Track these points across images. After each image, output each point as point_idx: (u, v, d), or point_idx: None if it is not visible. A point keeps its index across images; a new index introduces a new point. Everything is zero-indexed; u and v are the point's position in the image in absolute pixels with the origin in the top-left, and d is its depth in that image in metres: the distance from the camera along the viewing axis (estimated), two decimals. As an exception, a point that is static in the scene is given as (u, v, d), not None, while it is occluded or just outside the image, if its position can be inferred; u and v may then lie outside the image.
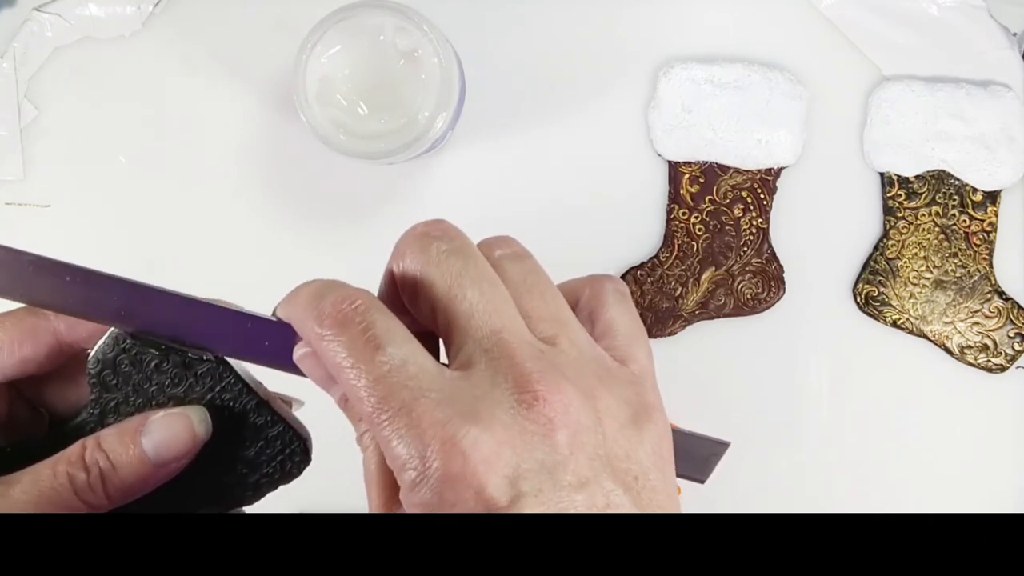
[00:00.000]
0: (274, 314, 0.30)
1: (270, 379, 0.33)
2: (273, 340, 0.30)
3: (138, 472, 0.30)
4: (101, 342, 0.32)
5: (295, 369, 0.29)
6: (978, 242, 0.58)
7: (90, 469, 0.29)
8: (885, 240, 0.58)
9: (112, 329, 0.31)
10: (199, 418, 0.31)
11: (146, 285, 0.30)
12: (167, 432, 0.30)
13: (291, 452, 0.33)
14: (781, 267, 0.58)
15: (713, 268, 0.58)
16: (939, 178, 0.58)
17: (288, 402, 0.35)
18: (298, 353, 0.29)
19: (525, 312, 0.28)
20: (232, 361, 0.32)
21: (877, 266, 0.58)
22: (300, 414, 0.35)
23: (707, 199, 0.58)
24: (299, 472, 0.34)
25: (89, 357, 0.32)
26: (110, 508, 0.30)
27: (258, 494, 0.34)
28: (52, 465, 0.30)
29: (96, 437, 0.30)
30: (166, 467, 0.30)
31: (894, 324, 0.58)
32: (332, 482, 0.59)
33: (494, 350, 0.26)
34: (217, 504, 0.34)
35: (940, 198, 0.58)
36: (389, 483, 0.28)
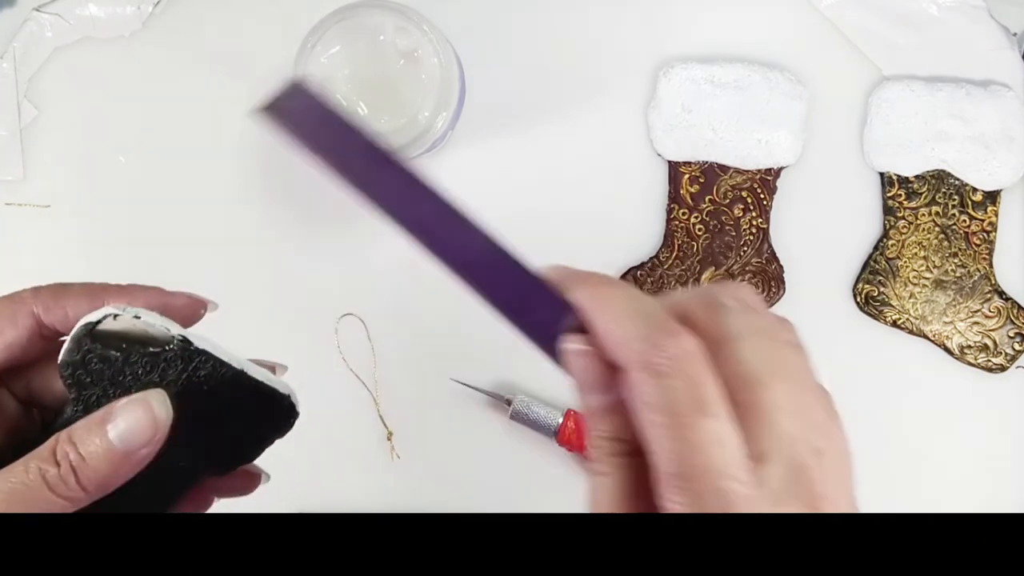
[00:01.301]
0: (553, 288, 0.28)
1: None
2: (545, 312, 0.27)
3: (109, 461, 0.30)
4: (65, 347, 0.32)
5: (540, 338, 0.27)
6: (978, 242, 0.58)
7: (60, 463, 0.29)
8: (885, 240, 0.58)
9: (73, 332, 0.32)
10: (159, 401, 0.31)
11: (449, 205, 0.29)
12: (131, 420, 0.30)
13: (277, 411, 0.34)
14: (781, 267, 0.58)
15: (713, 268, 0.58)
16: (939, 178, 0.58)
17: (272, 368, 0.35)
18: (574, 347, 0.26)
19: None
20: (196, 340, 0.32)
21: (877, 266, 0.58)
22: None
23: (707, 199, 0.58)
24: (290, 426, 0.34)
25: (59, 361, 0.32)
26: (89, 501, 0.30)
27: (256, 451, 0.35)
28: (24, 462, 0.30)
29: (68, 431, 0.30)
30: (136, 454, 0.30)
31: (894, 324, 0.58)
32: (332, 482, 0.59)
33: (797, 462, 0.24)
34: (220, 467, 0.35)
35: (940, 198, 0.58)
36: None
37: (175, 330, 0.32)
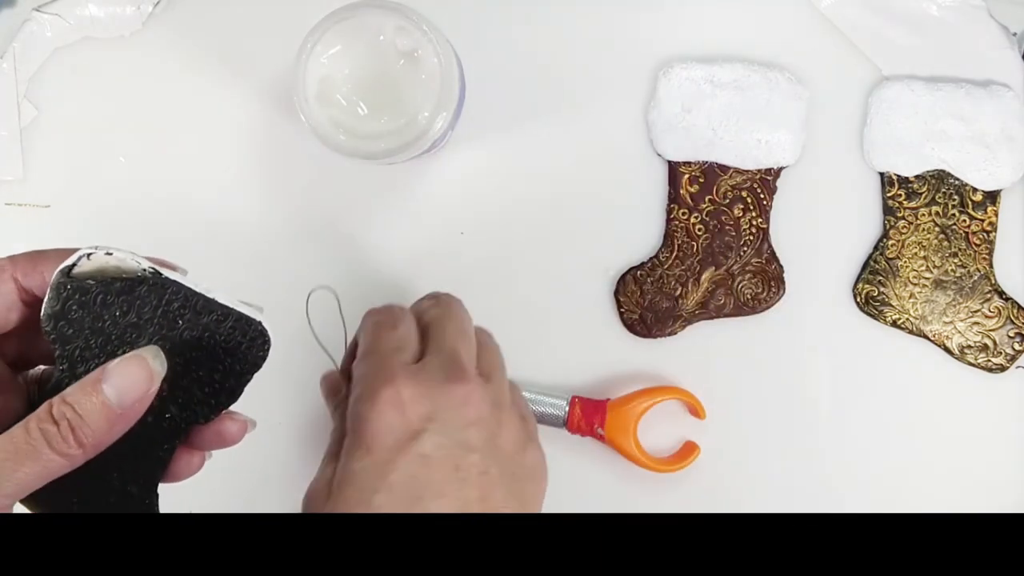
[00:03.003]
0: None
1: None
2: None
3: (105, 418, 0.31)
4: (47, 297, 0.33)
5: None
6: (978, 242, 0.58)
7: (59, 422, 0.31)
8: (885, 240, 0.58)
9: (51, 280, 0.33)
10: (153, 355, 0.32)
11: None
12: (125, 376, 0.32)
13: (251, 339, 0.35)
14: (781, 267, 0.58)
15: (713, 268, 0.58)
16: (939, 178, 0.58)
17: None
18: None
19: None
20: (165, 271, 0.34)
21: (877, 266, 0.58)
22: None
23: (707, 199, 0.58)
24: (264, 356, 0.36)
25: (41, 316, 0.33)
26: (84, 459, 0.31)
27: (238, 388, 0.36)
28: (23, 424, 0.31)
29: (61, 394, 0.31)
30: (132, 409, 0.32)
31: (894, 324, 0.58)
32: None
33: (449, 354, 0.41)
34: (205, 413, 0.35)
35: (940, 198, 0.58)
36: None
37: (145, 264, 0.34)
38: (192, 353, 0.34)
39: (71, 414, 0.31)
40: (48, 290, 0.33)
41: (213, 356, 0.34)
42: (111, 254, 0.33)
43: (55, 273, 0.33)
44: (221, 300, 0.34)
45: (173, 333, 0.33)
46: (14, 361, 0.36)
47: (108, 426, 0.31)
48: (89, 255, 0.33)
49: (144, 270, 0.33)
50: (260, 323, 0.35)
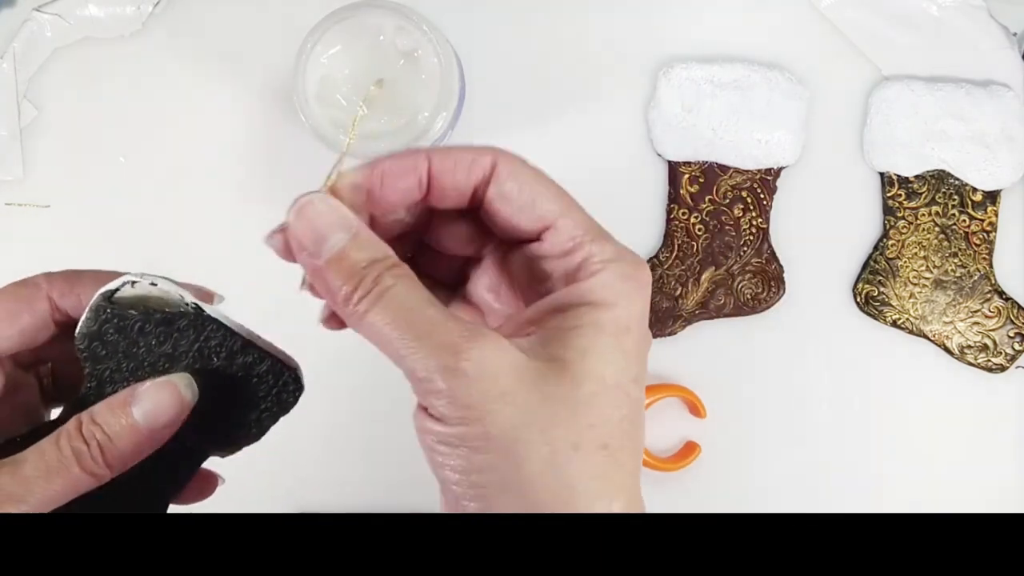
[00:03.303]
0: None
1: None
2: None
3: (133, 440, 0.31)
4: (84, 317, 0.33)
5: None
6: (978, 242, 0.58)
7: (89, 442, 0.31)
8: (885, 240, 0.58)
9: (92, 302, 0.33)
10: (185, 384, 0.32)
11: None
12: (156, 401, 0.31)
13: (283, 383, 0.34)
14: (781, 267, 0.58)
15: (713, 268, 0.58)
16: (939, 178, 0.58)
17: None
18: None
19: None
20: (208, 308, 0.33)
21: (877, 266, 0.58)
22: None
23: (707, 199, 0.58)
24: (295, 401, 0.35)
25: (76, 334, 0.33)
26: (111, 477, 0.31)
27: (261, 430, 0.35)
28: (54, 441, 0.31)
29: (89, 412, 0.31)
30: (159, 432, 0.32)
31: (894, 324, 0.58)
32: (334, 482, 0.59)
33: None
34: (225, 447, 0.35)
35: (940, 198, 0.58)
36: None
37: (188, 298, 0.33)
38: (222, 390, 0.34)
39: (100, 435, 0.31)
40: (87, 310, 0.33)
41: (243, 395, 0.34)
42: (156, 284, 0.33)
43: (96, 295, 0.33)
44: (259, 343, 0.34)
45: (206, 368, 0.33)
46: (29, 364, 0.36)
47: (136, 449, 0.31)
48: (133, 283, 0.33)
49: (187, 304, 0.33)
50: (296, 369, 0.34)
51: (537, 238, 0.30)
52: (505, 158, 0.30)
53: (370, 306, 0.28)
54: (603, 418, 0.28)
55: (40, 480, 0.30)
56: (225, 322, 0.33)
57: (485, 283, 0.34)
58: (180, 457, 0.34)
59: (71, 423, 0.31)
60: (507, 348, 0.27)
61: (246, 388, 0.34)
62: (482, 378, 0.27)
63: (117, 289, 0.33)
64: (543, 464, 0.27)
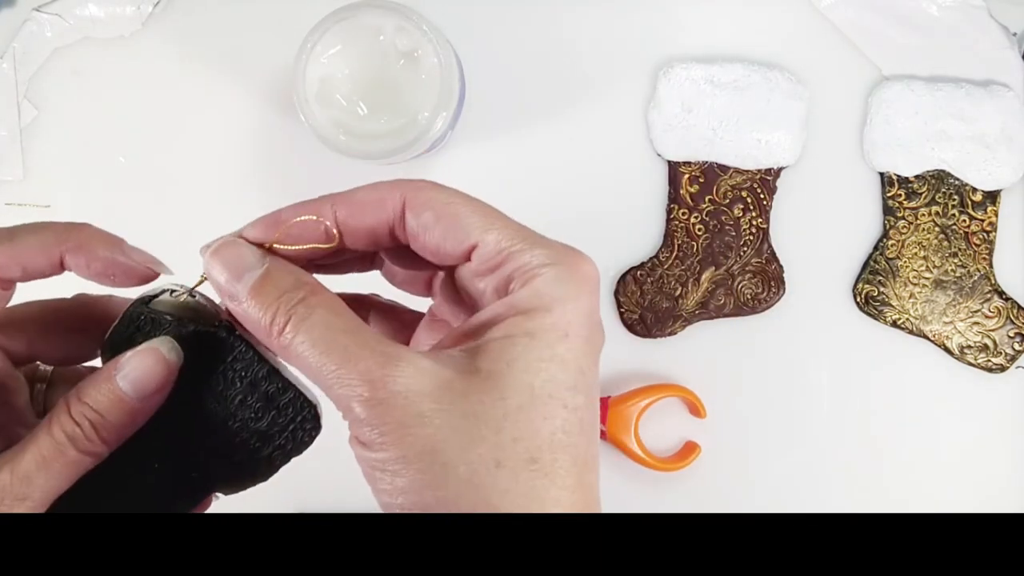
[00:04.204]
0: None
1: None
2: None
3: (123, 410, 0.31)
4: (115, 324, 0.32)
5: None
6: (978, 242, 0.58)
7: (80, 423, 0.30)
8: (885, 240, 0.58)
9: (127, 309, 0.32)
10: (168, 347, 0.31)
11: None
12: (141, 368, 0.31)
13: (302, 420, 0.33)
14: (781, 267, 0.58)
15: (713, 268, 0.58)
16: (939, 178, 0.58)
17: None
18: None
19: None
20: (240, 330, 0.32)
21: (877, 266, 0.58)
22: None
23: (707, 199, 0.58)
24: (310, 441, 0.34)
25: (105, 340, 0.32)
26: (108, 452, 0.31)
27: (272, 468, 0.34)
28: (46, 428, 0.31)
29: (75, 391, 0.31)
30: (149, 400, 0.31)
31: (894, 324, 0.58)
32: (332, 482, 0.59)
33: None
34: (234, 484, 0.34)
35: (940, 198, 0.58)
36: None
37: (224, 315, 0.32)
38: (237, 417, 0.33)
39: (91, 413, 0.30)
40: (120, 316, 0.32)
41: (258, 426, 0.33)
42: (194, 296, 0.32)
43: (133, 301, 0.33)
44: (285, 373, 0.33)
45: (226, 392, 0.32)
46: (18, 359, 0.36)
47: (130, 419, 0.31)
48: (172, 292, 0.33)
49: (220, 322, 0.32)
50: (316, 406, 0.33)
51: (468, 258, 0.30)
52: (414, 189, 0.30)
53: (293, 335, 0.28)
54: (531, 431, 0.27)
55: (40, 473, 0.30)
56: (255, 346, 0.32)
57: (443, 298, 0.34)
58: (180, 496, 0.34)
59: (60, 406, 0.31)
60: (426, 369, 0.27)
61: (264, 418, 0.33)
62: (397, 404, 0.26)
63: (156, 296, 0.32)
64: (461, 484, 0.26)
